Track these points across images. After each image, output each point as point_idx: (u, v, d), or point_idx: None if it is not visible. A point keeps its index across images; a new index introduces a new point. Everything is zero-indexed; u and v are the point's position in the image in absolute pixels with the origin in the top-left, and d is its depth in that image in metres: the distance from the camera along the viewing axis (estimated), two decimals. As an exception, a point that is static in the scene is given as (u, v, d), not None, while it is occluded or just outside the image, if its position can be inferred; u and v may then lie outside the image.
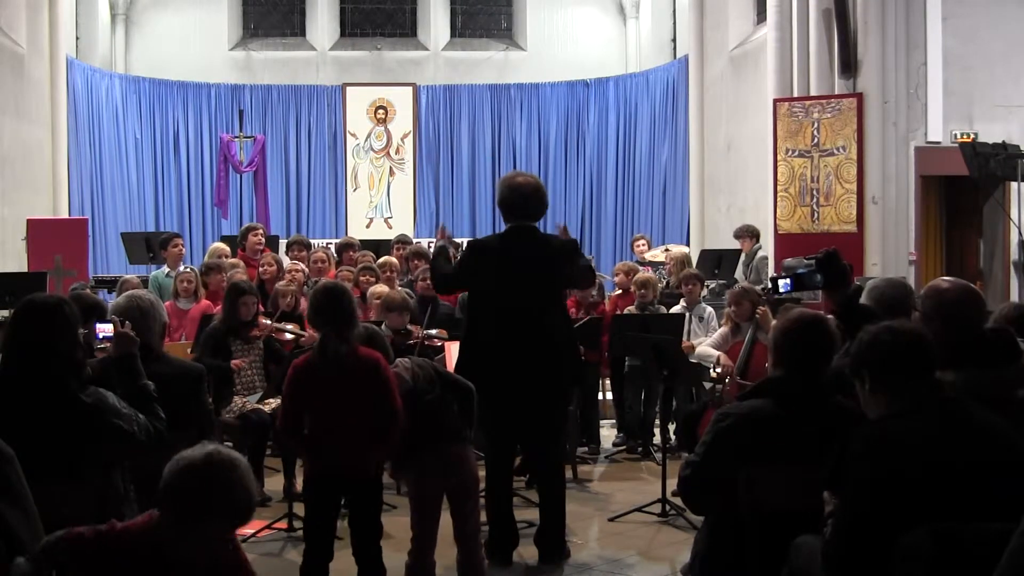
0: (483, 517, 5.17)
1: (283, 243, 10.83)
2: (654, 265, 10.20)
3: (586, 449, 7.63)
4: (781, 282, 4.25)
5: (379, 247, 10.15)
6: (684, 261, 9.42)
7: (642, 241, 11.38)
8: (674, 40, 16.85)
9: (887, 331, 3.00)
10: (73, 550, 2.57)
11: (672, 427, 7.14)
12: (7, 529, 2.54)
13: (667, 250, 10.86)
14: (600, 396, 8.25)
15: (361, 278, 7.97)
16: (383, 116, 16.73)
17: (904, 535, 2.65)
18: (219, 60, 17.22)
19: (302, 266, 8.49)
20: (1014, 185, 10.14)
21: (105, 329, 3.70)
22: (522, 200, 5.16)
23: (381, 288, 7.41)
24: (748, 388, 3.88)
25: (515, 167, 16.73)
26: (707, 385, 7.04)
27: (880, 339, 2.98)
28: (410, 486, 4.45)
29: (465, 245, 5.40)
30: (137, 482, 3.47)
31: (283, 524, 5.57)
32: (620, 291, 8.31)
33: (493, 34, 18.20)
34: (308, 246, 9.62)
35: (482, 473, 5.26)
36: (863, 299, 4.07)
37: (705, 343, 7.01)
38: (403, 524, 4.44)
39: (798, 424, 3.37)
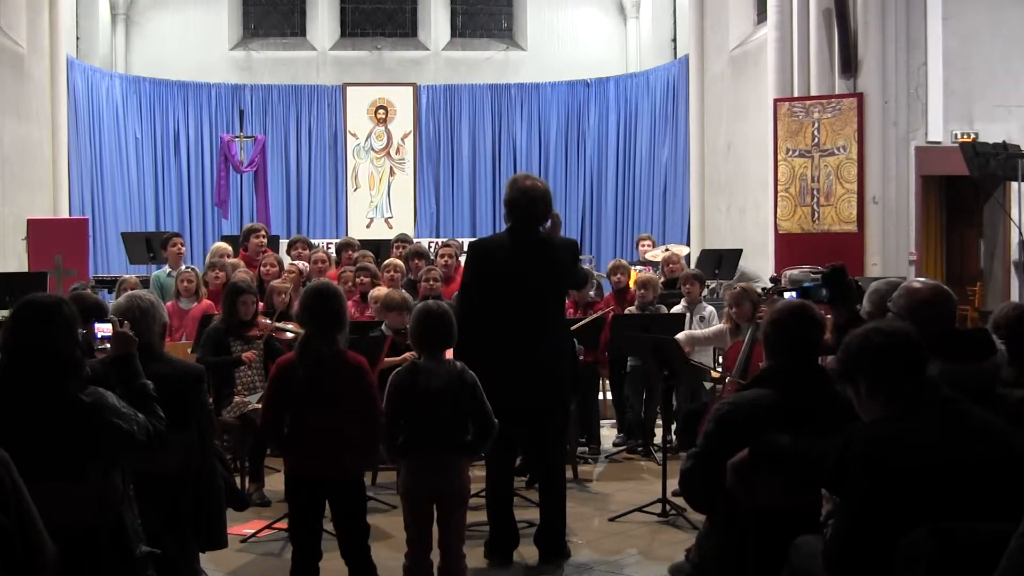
0: (483, 517, 5.19)
1: (284, 243, 10.84)
2: (655, 265, 10.21)
3: (586, 449, 7.63)
4: (786, 295, 4.29)
5: (379, 247, 10.15)
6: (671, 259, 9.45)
7: (647, 241, 11.40)
8: (674, 40, 16.85)
9: (876, 333, 3.01)
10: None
11: (673, 427, 7.13)
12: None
13: (667, 250, 10.88)
14: (600, 396, 8.25)
15: (359, 279, 7.98)
16: (383, 116, 16.74)
17: (904, 535, 2.65)
18: (219, 60, 17.23)
19: (301, 265, 8.49)
20: (1014, 185, 10.14)
21: (104, 329, 3.69)
22: (530, 203, 5.15)
23: (380, 290, 7.41)
24: (746, 382, 3.90)
25: (515, 167, 16.75)
26: (707, 385, 7.05)
27: (871, 341, 2.98)
28: (400, 484, 4.44)
29: (467, 247, 5.37)
30: (137, 482, 3.47)
31: (283, 524, 5.56)
32: (616, 290, 8.32)
33: (493, 34, 18.21)
34: (310, 245, 9.63)
35: (482, 473, 5.27)
36: (864, 302, 4.09)
37: (692, 331, 7.08)
38: (403, 524, 4.43)
39: (798, 409, 3.39)
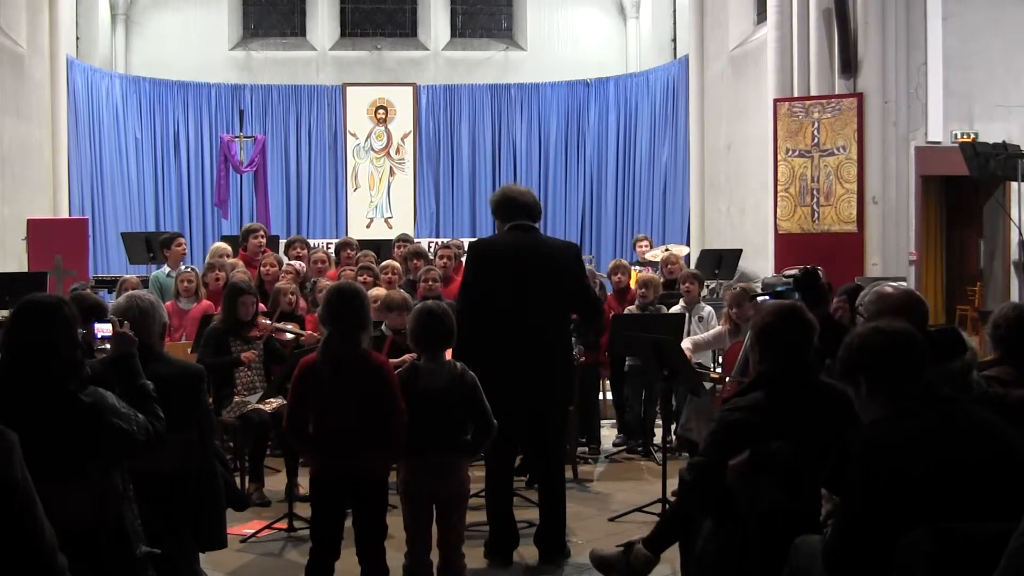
0: (483, 517, 5.19)
1: (283, 243, 10.84)
2: (654, 265, 10.21)
3: (586, 449, 7.63)
4: (759, 299, 4.32)
5: (379, 247, 10.16)
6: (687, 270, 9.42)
7: (644, 242, 11.42)
8: (674, 40, 16.85)
9: (877, 333, 3.01)
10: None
11: (673, 427, 7.13)
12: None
13: (667, 250, 10.88)
14: (600, 396, 8.25)
15: (360, 278, 7.98)
16: (383, 116, 16.74)
17: (904, 535, 2.65)
18: (219, 60, 17.23)
19: (298, 265, 8.51)
20: (1014, 185, 10.14)
21: (104, 329, 3.69)
22: (520, 199, 5.19)
23: (379, 291, 7.41)
24: (744, 385, 3.90)
25: (515, 167, 16.79)
26: (707, 385, 7.04)
27: (871, 341, 2.98)
28: (400, 484, 4.45)
29: (467, 247, 5.38)
30: (137, 482, 3.47)
31: (283, 524, 5.57)
32: (616, 290, 8.34)
33: (493, 34, 18.21)
34: (308, 246, 9.64)
35: (482, 473, 5.27)
36: (864, 304, 4.09)
37: (694, 337, 7.08)
38: (403, 524, 4.44)
39: (795, 412, 3.40)
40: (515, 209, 5.19)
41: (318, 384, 4.15)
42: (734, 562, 3.42)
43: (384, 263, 8.35)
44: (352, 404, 4.11)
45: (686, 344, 6.87)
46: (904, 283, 9.54)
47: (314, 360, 4.23)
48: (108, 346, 3.66)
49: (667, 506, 5.84)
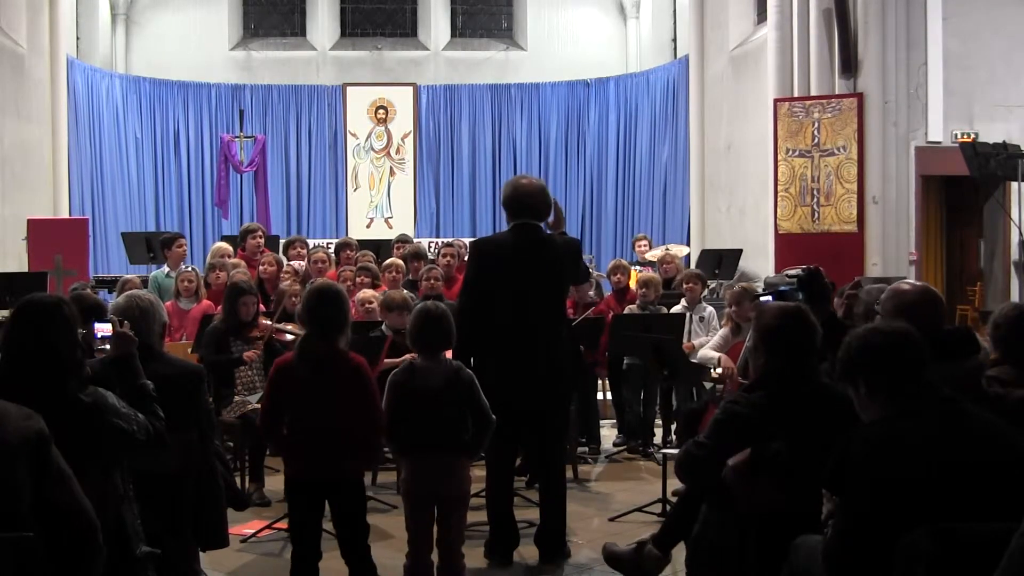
0: (483, 517, 5.19)
1: (283, 243, 10.84)
2: (653, 265, 10.22)
3: (586, 449, 7.63)
4: (763, 299, 4.34)
5: (379, 247, 10.16)
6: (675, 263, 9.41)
7: (644, 241, 11.42)
8: (674, 40, 16.85)
9: (876, 333, 3.01)
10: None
11: (673, 427, 7.14)
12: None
13: (667, 250, 10.88)
14: (600, 396, 8.24)
15: (359, 279, 7.98)
16: (383, 116, 16.73)
17: (904, 535, 2.65)
18: (219, 60, 17.22)
19: (296, 265, 8.52)
20: (1014, 185, 10.14)
21: (104, 329, 3.69)
22: (528, 199, 5.19)
23: (368, 292, 7.41)
24: (747, 384, 3.91)
25: (515, 167, 16.76)
26: (707, 385, 7.04)
27: (871, 341, 2.98)
28: (401, 484, 4.45)
29: (469, 246, 5.38)
30: (137, 482, 3.47)
31: (283, 524, 5.56)
32: (616, 290, 8.33)
33: (493, 34, 18.21)
34: (308, 245, 9.65)
35: (482, 473, 5.27)
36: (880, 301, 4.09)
37: (706, 346, 7.03)
38: (403, 524, 4.44)
39: (797, 412, 3.39)
40: (521, 208, 5.19)
41: (294, 384, 4.14)
42: (733, 562, 3.42)
43: (388, 261, 8.36)
44: (328, 405, 4.10)
45: (709, 353, 6.83)
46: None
47: (290, 360, 4.22)
48: (108, 346, 3.66)
49: (667, 506, 5.85)
